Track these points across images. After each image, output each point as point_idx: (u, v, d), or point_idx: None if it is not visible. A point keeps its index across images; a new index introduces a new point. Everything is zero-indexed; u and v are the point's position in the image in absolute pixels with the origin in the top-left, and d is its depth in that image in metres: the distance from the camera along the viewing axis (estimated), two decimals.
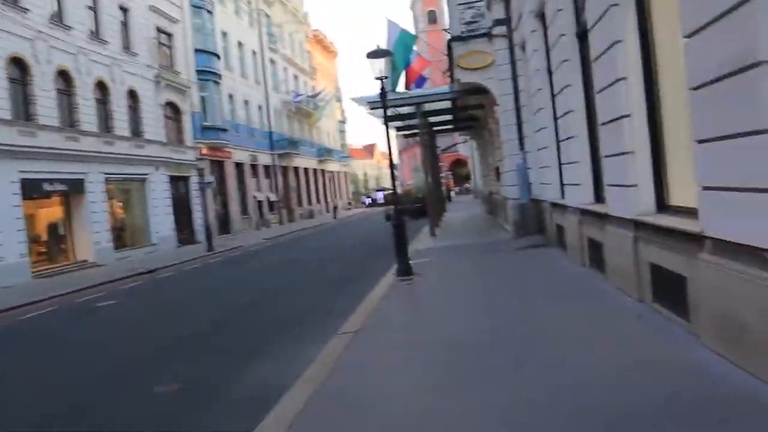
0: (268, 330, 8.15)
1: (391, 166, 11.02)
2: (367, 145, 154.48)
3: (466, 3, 15.97)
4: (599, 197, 8.42)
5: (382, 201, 71.11)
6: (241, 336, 8.17)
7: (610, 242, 7.00)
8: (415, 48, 23.96)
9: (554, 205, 11.04)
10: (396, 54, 19.55)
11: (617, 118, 6.18)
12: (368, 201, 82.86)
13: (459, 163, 78.54)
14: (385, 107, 10.55)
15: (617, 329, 5.41)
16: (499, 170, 18.07)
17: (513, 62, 14.21)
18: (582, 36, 8.39)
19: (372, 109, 18.25)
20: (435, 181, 25.76)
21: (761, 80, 3.50)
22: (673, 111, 5.61)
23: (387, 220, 35.21)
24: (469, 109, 21.80)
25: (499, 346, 5.39)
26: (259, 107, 43.75)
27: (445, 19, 76.98)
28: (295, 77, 53.58)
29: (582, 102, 8.55)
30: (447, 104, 21.11)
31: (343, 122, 72.96)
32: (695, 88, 4.28)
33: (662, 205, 5.85)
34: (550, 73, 10.99)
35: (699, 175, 4.38)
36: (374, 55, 10.18)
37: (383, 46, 20.01)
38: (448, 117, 24.90)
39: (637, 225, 5.97)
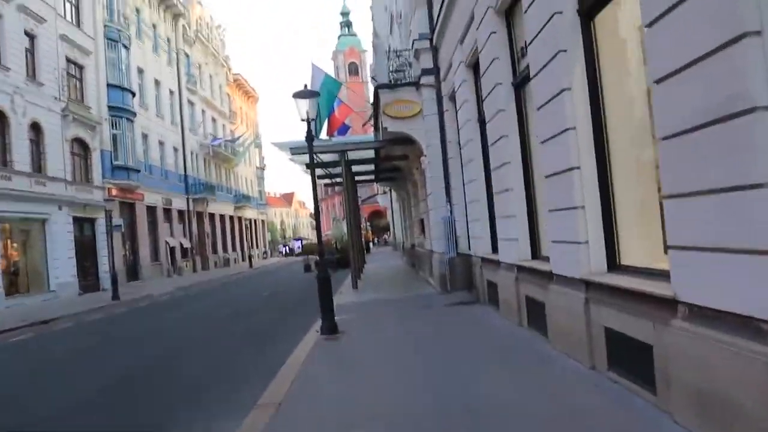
0: (175, 400, 6.82)
1: (317, 213, 10.29)
2: (285, 193, 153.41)
3: (394, 51, 15.79)
4: (537, 253, 8.04)
5: (299, 250, 69.95)
6: (137, 410, 6.72)
7: (554, 302, 6.53)
8: (338, 95, 23.68)
9: (485, 260, 10.63)
10: (320, 100, 19.10)
11: (565, 170, 5.79)
12: (285, 250, 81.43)
13: (377, 215, 78.71)
14: (311, 152, 9.90)
15: (571, 400, 4.85)
16: (423, 222, 17.69)
17: (441, 113, 14.00)
18: (519, 86, 8.14)
19: (294, 154, 17.60)
20: (357, 233, 25.16)
21: (754, 127, 3.12)
22: (624, 163, 5.32)
23: (306, 271, 34.44)
24: (393, 160, 21.51)
25: (443, 423, 4.70)
26: (175, 149, 42.15)
27: (366, 72, 78.31)
28: (214, 120, 52.30)
29: (519, 153, 8.23)
30: (370, 153, 20.77)
31: (261, 169, 71.72)
32: (667, 138, 3.89)
33: (614, 264, 5.45)
34: (481, 123, 10.76)
35: (671, 233, 3.98)
36: (301, 95, 9.56)
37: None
38: (371, 167, 24.59)
39: (589, 285, 5.52)
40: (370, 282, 19.43)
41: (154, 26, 40.17)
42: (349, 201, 18.18)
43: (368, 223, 73.54)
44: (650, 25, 3.91)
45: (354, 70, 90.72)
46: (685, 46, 3.57)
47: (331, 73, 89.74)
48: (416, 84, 14.69)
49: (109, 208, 25.80)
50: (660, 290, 4.15)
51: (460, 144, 12.57)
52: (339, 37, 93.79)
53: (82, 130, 28.64)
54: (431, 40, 14.12)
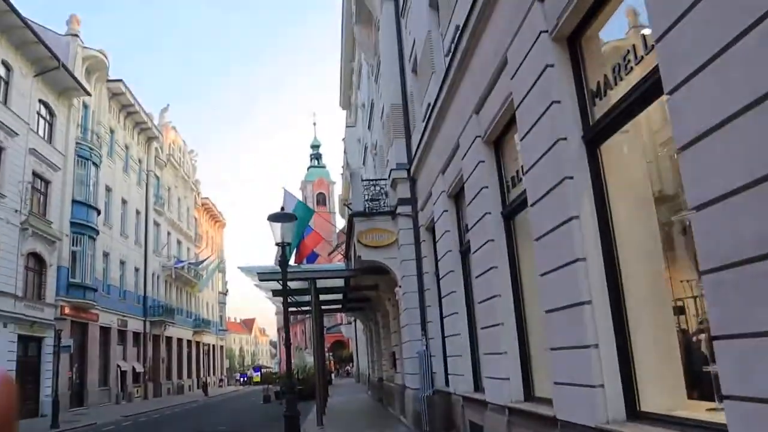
0: None
1: (288, 340, 9.55)
2: (245, 319, 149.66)
3: (371, 180, 15.76)
4: (532, 394, 7.39)
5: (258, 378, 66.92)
6: None
7: None
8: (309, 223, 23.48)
9: (468, 399, 9.86)
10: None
11: (577, 304, 5.29)
12: (244, 378, 77.94)
13: (340, 345, 76.57)
14: (285, 277, 9.36)
15: None
16: (395, 355, 16.87)
17: (417, 243, 13.71)
18: (510, 216, 7.87)
19: (262, 280, 16.96)
20: (321, 362, 23.99)
21: None
22: (641, 298, 4.89)
23: (265, 402, 32.51)
24: (363, 290, 20.97)
25: None
26: (136, 269, 40.98)
27: (334, 203, 79.42)
28: (179, 242, 51.59)
29: (509, 286, 7.80)
30: (340, 282, 20.22)
31: (224, 294, 70.11)
32: (709, 272, 3.41)
33: (633, 412, 4.86)
34: (463, 254, 10.43)
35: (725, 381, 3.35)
36: (277, 218, 9.16)
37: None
38: (339, 296, 23.95)
39: None
40: (335, 417, 18.16)
41: (126, 147, 40.40)
42: (316, 330, 17.35)
43: (330, 354, 71.30)
44: (684, 148, 3.57)
45: (322, 200, 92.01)
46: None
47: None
48: (392, 213, 14.51)
49: (60, 328, 24.15)
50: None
51: (438, 275, 12.17)
52: (308, 168, 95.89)
53: (40, 244, 27.64)
54: (409, 170, 14.13)
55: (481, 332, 8.53)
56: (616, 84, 4.90)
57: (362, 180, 15.46)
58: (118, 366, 36.47)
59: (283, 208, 9.46)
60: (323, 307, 25.55)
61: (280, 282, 18.44)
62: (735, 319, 3.29)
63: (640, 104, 4.50)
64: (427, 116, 11.74)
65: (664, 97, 3.75)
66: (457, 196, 10.74)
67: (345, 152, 31.37)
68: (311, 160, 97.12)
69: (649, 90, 4.19)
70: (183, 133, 59.84)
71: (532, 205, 6.15)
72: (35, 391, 26.76)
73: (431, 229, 13.20)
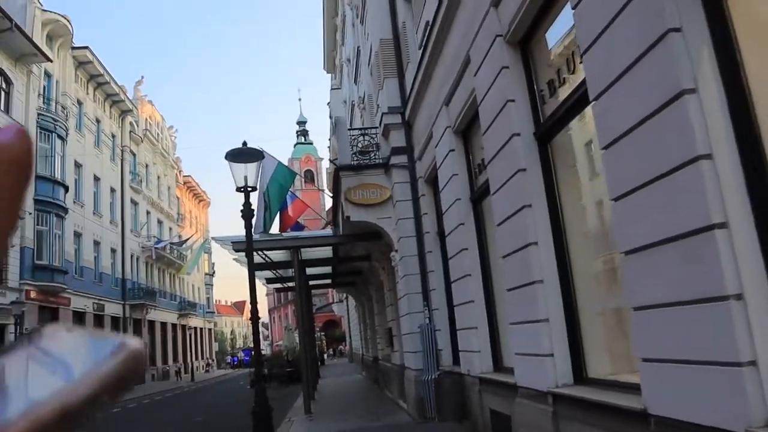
0: None
1: (255, 315, 7.44)
2: (236, 302, 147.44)
3: (358, 129, 13.58)
4: (582, 375, 5.42)
5: (247, 362, 65.10)
6: None
7: None
8: (292, 190, 21.30)
9: (487, 382, 7.83)
10: (270, 192, 16.63)
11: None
12: (235, 361, 76.30)
13: (332, 324, 74.80)
14: (249, 232, 7.21)
15: None
16: (391, 332, 14.83)
17: (416, 198, 11.62)
18: (546, 136, 5.82)
19: (236, 250, 14.83)
20: (310, 342, 21.98)
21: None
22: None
23: (252, 386, 30.60)
24: (354, 261, 18.90)
25: None
26: (113, 250, 38.62)
27: (322, 180, 77.30)
28: (160, 222, 49.15)
29: (549, 232, 5.75)
30: (327, 253, 18.14)
31: (211, 275, 67.83)
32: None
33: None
34: (475, 202, 8.38)
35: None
36: (237, 156, 6.99)
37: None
38: (328, 269, 21.87)
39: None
40: (327, 402, 16.18)
41: (97, 120, 37.77)
42: (302, 306, 15.27)
43: (322, 334, 69.63)
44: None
45: (310, 177, 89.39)
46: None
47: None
48: (385, 166, 12.38)
49: (17, 313, 21.61)
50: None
51: (442, 233, 10.11)
52: (295, 145, 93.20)
53: None
54: (403, 114, 11.99)
55: (509, 296, 6.49)
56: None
57: (349, 129, 13.26)
58: None
59: (245, 143, 7.23)
60: (311, 282, 23.51)
61: (259, 252, 16.42)
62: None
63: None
64: (425, 38, 9.57)
65: None
66: (467, 130, 8.65)
67: (330, 117, 29.10)
68: (297, 137, 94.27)
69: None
70: (161, 110, 57.07)
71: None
72: None
73: (432, 181, 11.13)
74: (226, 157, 7.03)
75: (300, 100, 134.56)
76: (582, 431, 4.95)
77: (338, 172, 12.46)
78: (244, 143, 7.12)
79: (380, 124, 12.62)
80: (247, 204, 6.97)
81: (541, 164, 5.89)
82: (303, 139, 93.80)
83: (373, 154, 13.03)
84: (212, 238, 22.08)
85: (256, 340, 7.16)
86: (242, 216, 7.01)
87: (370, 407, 14.01)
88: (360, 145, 13.05)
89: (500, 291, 7.73)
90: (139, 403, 26.18)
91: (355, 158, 12.92)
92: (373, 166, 12.48)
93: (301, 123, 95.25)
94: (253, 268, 7.35)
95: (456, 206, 8.68)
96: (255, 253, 16.69)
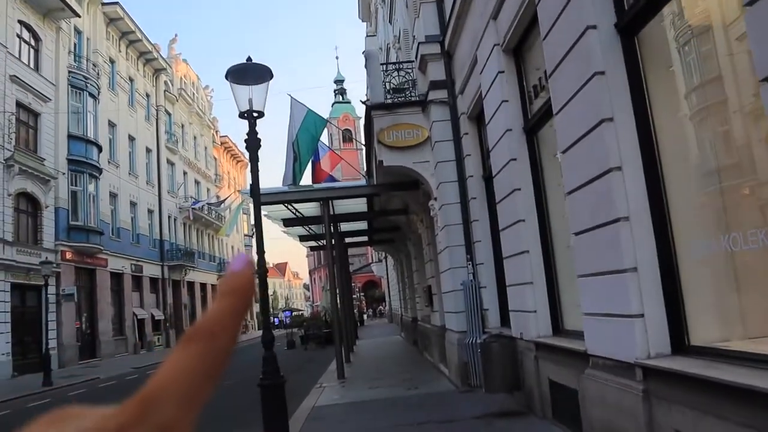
0: None
1: (261, 252, 6.14)
2: (278, 263, 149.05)
3: (392, 64, 12.14)
4: (685, 343, 4.06)
5: (288, 322, 65.25)
6: None
7: None
8: (326, 143, 20.03)
9: (545, 347, 6.51)
10: (300, 141, 15.38)
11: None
12: (276, 322, 76.92)
13: (372, 284, 74.31)
14: (254, 164, 5.96)
15: None
16: (431, 290, 13.58)
17: (457, 137, 10.21)
18: (630, 27, 4.35)
19: (263, 203, 13.69)
20: (347, 303, 20.96)
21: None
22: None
23: (289, 348, 30.05)
24: (390, 214, 17.63)
25: None
26: (150, 211, 38.22)
27: (361, 140, 76.01)
28: (197, 183, 48.68)
29: (638, 153, 4.35)
30: (362, 207, 16.90)
31: (249, 236, 67.69)
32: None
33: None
34: (530, 132, 6.97)
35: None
36: (241, 75, 5.69)
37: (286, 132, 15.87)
38: (363, 225, 20.69)
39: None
40: (362, 366, 15.15)
41: (131, 80, 37.00)
42: (333, 263, 14.12)
43: (362, 294, 69.24)
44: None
45: (348, 137, 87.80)
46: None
47: (325, 140, 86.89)
48: (422, 103, 10.97)
49: (46, 273, 20.77)
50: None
51: (489, 176, 8.72)
52: (333, 104, 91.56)
53: (31, 183, 24.76)
54: (442, 43, 10.51)
55: (577, 241, 5.12)
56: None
57: (382, 64, 11.84)
58: (134, 314, 34.11)
59: (249, 58, 5.91)
60: (346, 240, 22.39)
61: (288, 206, 15.28)
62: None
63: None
64: None
65: None
66: (520, 46, 7.17)
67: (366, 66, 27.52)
68: (335, 96, 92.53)
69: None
70: (196, 68, 56.09)
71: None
72: (37, 345, 24.32)
73: (476, 118, 9.71)
74: (226, 77, 5.77)
75: (337, 58, 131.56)
76: (688, 419, 3.67)
77: (370, 111, 11.08)
78: (249, 59, 5.84)
79: (416, 56, 11.16)
80: (252, 133, 5.72)
81: (625, 64, 4.50)
82: (341, 98, 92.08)
83: (409, 92, 11.60)
84: (238, 191, 21.02)
85: (264, 295, 5.97)
86: (247, 147, 5.79)
87: (409, 372, 12.86)
88: (394, 82, 11.63)
89: (561, 239, 6.54)
90: None
91: (390, 97, 11.52)
92: (408, 104, 11.08)
93: (339, 81, 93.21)
94: (258, 204, 6.18)
95: (506, 139, 7.27)
96: (285, 207, 15.63)
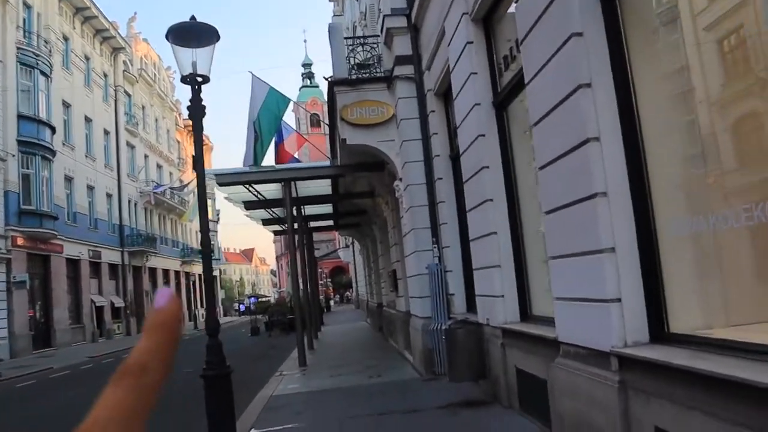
0: None
1: (204, 230, 5.64)
2: (245, 249, 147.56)
3: (357, 38, 11.60)
4: (662, 330, 3.71)
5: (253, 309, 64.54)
6: None
7: None
8: (290, 124, 19.34)
9: (512, 334, 6.13)
10: (262, 120, 14.76)
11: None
12: (242, 308, 76.11)
13: (339, 271, 73.82)
14: (197, 134, 5.42)
15: None
16: (396, 275, 13.18)
17: (424, 115, 9.76)
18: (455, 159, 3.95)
19: (220, 183, 13.09)
20: (311, 288, 20.47)
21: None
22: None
23: (253, 334, 29.48)
24: (355, 197, 17.15)
25: None
26: (109, 195, 36.96)
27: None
28: (159, 167, 47.39)
29: (617, 122, 3.95)
30: (326, 189, 16.38)
31: (215, 222, 66.38)
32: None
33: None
34: (499, 107, 6.54)
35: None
36: (181, 37, 5.13)
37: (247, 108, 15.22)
38: (328, 208, 20.16)
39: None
40: (325, 353, 14.71)
41: (87, 58, 35.56)
42: (294, 246, 13.60)
43: (329, 280, 68.75)
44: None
45: (316, 122, 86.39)
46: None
47: (293, 125, 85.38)
48: (388, 79, 10.48)
49: (2, 260, 20.00)
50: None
51: (457, 155, 8.31)
52: (300, 88, 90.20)
53: None
54: (408, 16, 10.02)
55: (549, 220, 4.72)
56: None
57: (345, 38, 11.29)
58: (93, 301, 33.03)
59: (193, 17, 5.34)
60: (311, 224, 21.86)
61: (249, 188, 14.67)
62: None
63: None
64: None
65: None
66: (490, 14, 6.73)
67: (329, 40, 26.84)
68: (303, 80, 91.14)
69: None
70: (157, 48, 54.30)
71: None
72: None
73: (443, 95, 9.27)
74: (166, 37, 5.20)
75: (305, 41, 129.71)
76: (670, 415, 3.32)
77: (333, 87, 10.56)
78: (193, 17, 5.26)
79: (382, 30, 10.66)
80: (196, 99, 5.17)
81: (604, 23, 4.08)
82: (309, 81, 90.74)
83: (374, 68, 11.10)
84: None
85: (207, 266, 5.46)
86: (190, 116, 5.24)
87: (373, 359, 12.45)
88: (359, 57, 11.10)
89: (531, 220, 6.19)
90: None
91: (354, 73, 10.99)
92: (373, 80, 10.58)
93: (307, 65, 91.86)
94: (202, 174, 5.63)
95: (475, 114, 6.85)
96: (246, 189, 15.01)
